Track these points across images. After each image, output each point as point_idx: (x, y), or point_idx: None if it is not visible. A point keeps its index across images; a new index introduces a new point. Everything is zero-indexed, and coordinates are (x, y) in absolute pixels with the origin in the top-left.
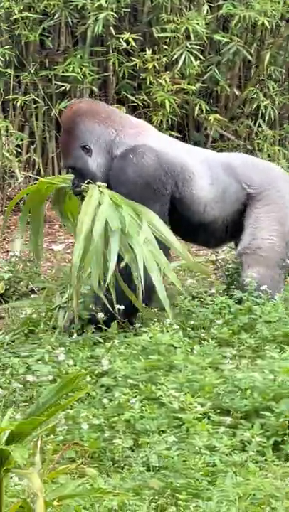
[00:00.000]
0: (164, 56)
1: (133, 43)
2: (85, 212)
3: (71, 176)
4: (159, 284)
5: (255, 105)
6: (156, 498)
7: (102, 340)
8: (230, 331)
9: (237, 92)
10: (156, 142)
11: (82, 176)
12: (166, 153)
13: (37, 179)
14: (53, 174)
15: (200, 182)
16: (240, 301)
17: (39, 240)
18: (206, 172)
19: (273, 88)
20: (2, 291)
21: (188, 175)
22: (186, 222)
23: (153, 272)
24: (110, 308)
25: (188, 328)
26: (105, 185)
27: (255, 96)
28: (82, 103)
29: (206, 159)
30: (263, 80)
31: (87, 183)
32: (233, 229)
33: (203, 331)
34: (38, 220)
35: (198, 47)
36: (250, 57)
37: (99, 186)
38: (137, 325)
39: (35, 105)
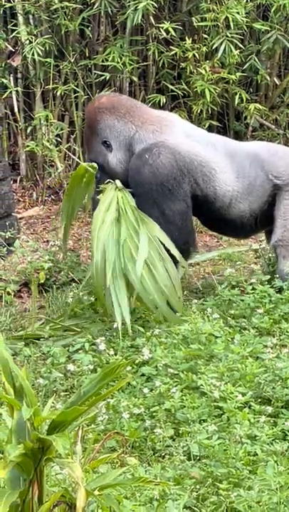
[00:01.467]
0: (203, 45)
1: (173, 33)
2: (96, 224)
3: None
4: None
5: None
6: (197, 487)
7: (142, 330)
8: (271, 320)
9: (277, 81)
10: (175, 139)
11: (103, 170)
12: (184, 151)
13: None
14: None
15: (223, 177)
16: (280, 291)
17: (68, 226)
18: (231, 166)
19: None
20: (43, 281)
21: (208, 171)
22: (212, 216)
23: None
24: None
25: (229, 318)
26: (121, 186)
27: None
28: (103, 98)
29: (231, 152)
30: None
31: (107, 182)
32: (263, 220)
33: (243, 320)
34: (71, 206)
35: (238, 36)
36: None
37: (116, 188)
38: (178, 314)
39: (75, 95)
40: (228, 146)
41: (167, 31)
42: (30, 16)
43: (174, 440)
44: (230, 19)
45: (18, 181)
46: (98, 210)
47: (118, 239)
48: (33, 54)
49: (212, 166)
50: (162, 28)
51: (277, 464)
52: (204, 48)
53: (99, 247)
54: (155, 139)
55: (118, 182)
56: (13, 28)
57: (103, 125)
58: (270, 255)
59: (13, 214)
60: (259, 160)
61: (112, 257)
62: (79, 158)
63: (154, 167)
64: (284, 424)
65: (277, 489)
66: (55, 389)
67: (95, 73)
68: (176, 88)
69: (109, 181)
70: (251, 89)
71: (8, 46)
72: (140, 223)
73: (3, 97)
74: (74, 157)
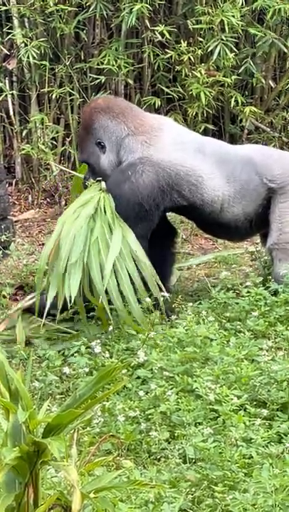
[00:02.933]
0: (199, 48)
1: (168, 36)
2: (67, 215)
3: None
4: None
5: None
6: (193, 490)
7: (135, 333)
8: (266, 323)
9: (272, 84)
10: (162, 151)
11: (93, 171)
12: (171, 164)
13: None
14: None
15: (211, 183)
16: (275, 293)
17: None
18: (220, 171)
19: None
20: None
21: (194, 179)
22: (205, 221)
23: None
24: None
25: (224, 320)
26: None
27: None
28: (100, 99)
29: (222, 156)
30: None
31: (96, 181)
32: (258, 223)
33: (239, 322)
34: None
35: (233, 39)
36: (285, 50)
37: (100, 189)
38: (173, 317)
39: (70, 98)
40: (220, 151)
41: (162, 34)
42: (26, 19)
43: (169, 443)
44: (226, 22)
45: (13, 184)
46: (75, 202)
47: (89, 235)
48: (28, 57)
49: (198, 173)
50: (157, 30)
51: (273, 467)
52: (199, 51)
53: (68, 238)
54: (142, 153)
55: (104, 184)
56: (9, 31)
57: (97, 125)
58: (266, 258)
59: (8, 217)
60: (253, 163)
61: (78, 250)
62: (74, 162)
63: (134, 185)
64: (279, 426)
65: (272, 492)
66: (50, 392)
67: (90, 76)
68: (171, 91)
69: (99, 180)
70: (246, 92)
71: (4, 49)
72: (116, 224)
73: None
74: (65, 169)
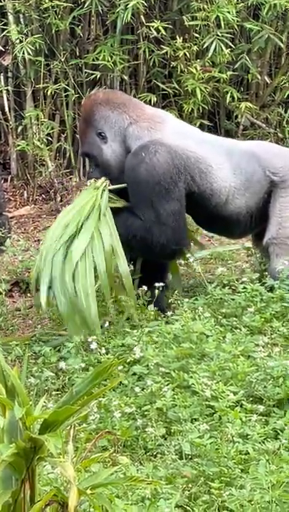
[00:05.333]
0: (194, 44)
1: (163, 32)
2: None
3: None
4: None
5: (286, 93)
6: (189, 486)
7: (129, 330)
8: (263, 319)
9: (268, 80)
10: (170, 136)
11: (96, 163)
12: (181, 148)
13: (67, 168)
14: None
15: (220, 173)
16: (271, 289)
17: None
18: (227, 162)
19: None
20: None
21: (205, 167)
22: (209, 213)
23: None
24: None
25: (220, 316)
26: (108, 185)
27: (286, 84)
28: (99, 92)
29: (227, 149)
30: None
31: (97, 179)
32: (257, 218)
33: (235, 319)
34: None
35: (229, 35)
36: (281, 45)
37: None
38: (169, 313)
39: (65, 94)
40: (224, 144)
41: (158, 30)
42: (21, 15)
43: (165, 439)
44: (221, 18)
45: (8, 180)
46: (68, 209)
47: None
48: (23, 53)
49: (208, 162)
50: (153, 27)
51: (269, 463)
52: (195, 47)
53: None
54: (150, 137)
55: (100, 181)
56: (4, 27)
57: (98, 116)
58: (260, 254)
59: (4, 213)
60: (256, 157)
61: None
62: (70, 158)
63: (150, 165)
64: (275, 423)
65: (269, 488)
66: (46, 388)
67: (85, 72)
68: (167, 87)
69: (96, 180)
70: (242, 88)
71: None
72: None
73: None
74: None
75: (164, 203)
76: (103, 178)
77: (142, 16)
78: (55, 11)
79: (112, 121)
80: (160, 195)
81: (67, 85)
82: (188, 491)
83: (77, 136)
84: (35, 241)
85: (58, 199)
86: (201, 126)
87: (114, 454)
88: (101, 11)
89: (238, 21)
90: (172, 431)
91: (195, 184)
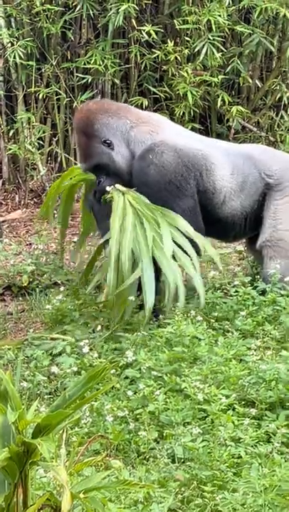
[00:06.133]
0: (185, 48)
1: (154, 35)
2: (114, 232)
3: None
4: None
5: (277, 96)
6: (182, 489)
7: (123, 334)
8: (255, 323)
9: (259, 84)
10: (172, 137)
11: (107, 171)
12: (186, 147)
13: (59, 172)
14: None
15: (221, 172)
16: (263, 293)
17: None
18: (227, 161)
19: None
20: (26, 284)
21: (209, 165)
22: (206, 214)
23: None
24: None
25: (212, 320)
26: (124, 189)
27: (277, 87)
28: (90, 103)
29: (225, 149)
30: (285, 71)
31: (110, 185)
32: (251, 221)
33: (227, 322)
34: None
35: (220, 38)
36: (272, 49)
37: (123, 193)
38: (161, 317)
39: (57, 97)
40: (222, 145)
41: (149, 34)
42: (12, 19)
43: (158, 443)
44: (212, 22)
45: (0, 184)
46: (113, 219)
47: (145, 241)
48: (14, 57)
49: (212, 160)
50: (144, 30)
51: (262, 466)
52: (186, 51)
53: (126, 255)
54: (153, 140)
55: (119, 186)
56: None
57: (98, 125)
58: (255, 257)
59: None
60: (252, 159)
61: (146, 262)
62: (61, 162)
63: (159, 166)
64: (268, 426)
65: (261, 491)
66: (38, 392)
67: (77, 76)
68: (158, 91)
69: (112, 186)
70: (233, 92)
71: None
72: (160, 219)
73: None
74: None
75: (178, 200)
76: (121, 187)
77: (133, 20)
78: (47, 15)
79: (113, 128)
80: (173, 193)
81: (59, 89)
82: (181, 494)
83: (69, 139)
84: (27, 245)
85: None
86: (193, 130)
87: (106, 458)
88: (92, 15)
89: (229, 25)
90: (165, 434)
91: (202, 181)
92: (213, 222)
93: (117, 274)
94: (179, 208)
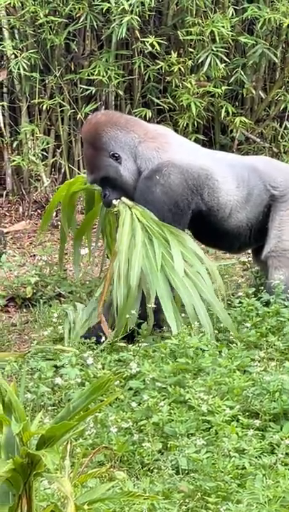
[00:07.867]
0: (189, 59)
1: (158, 47)
2: (121, 249)
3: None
4: (205, 317)
5: (281, 107)
6: (186, 501)
7: (124, 344)
8: (258, 334)
9: (263, 95)
10: (179, 156)
11: (114, 184)
12: (191, 167)
13: (63, 183)
14: None
15: (225, 187)
16: (267, 304)
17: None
18: (231, 175)
19: None
20: (29, 296)
21: (212, 182)
22: (211, 228)
23: (197, 306)
24: None
25: (216, 331)
26: (131, 203)
27: (280, 98)
28: (99, 115)
29: (230, 162)
30: (288, 81)
31: (117, 199)
32: (256, 232)
33: (231, 333)
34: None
35: (224, 49)
36: (275, 60)
37: (129, 207)
38: (165, 328)
39: (60, 109)
40: (227, 157)
41: (152, 45)
42: (16, 31)
43: (162, 454)
44: (216, 33)
45: (4, 196)
46: (121, 234)
47: (154, 257)
48: (18, 68)
49: (215, 176)
50: (148, 42)
51: (266, 478)
52: (190, 62)
53: (135, 273)
54: (161, 158)
55: (125, 199)
56: None
57: (106, 138)
58: (257, 268)
59: None
60: (257, 171)
61: (155, 280)
62: (65, 173)
63: (166, 187)
64: (272, 437)
65: (265, 502)
66: (42, 403)
67: (80, 87)
68: (161, 102)
69: (118, 199)
70: (237, 103)
71: None
72: (169, 237)
73: None
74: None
75: (178, 223)
76: (128, 201)
77: (136, 31)
78: (50, 27)
79: (121, 142)
80: (175, 216)
81: (63, 100)
82: (186, 505)
83: (73, 151)
84: (30, 256)
85: (54, 214)
86: (196, 141)
87: (110, 469)
88: (96, 26)
89: (232, 36)
90: (169, 446)
91: (203, 202)
92: (219, 235)
93: (127, 290)
94: (179, 226)
